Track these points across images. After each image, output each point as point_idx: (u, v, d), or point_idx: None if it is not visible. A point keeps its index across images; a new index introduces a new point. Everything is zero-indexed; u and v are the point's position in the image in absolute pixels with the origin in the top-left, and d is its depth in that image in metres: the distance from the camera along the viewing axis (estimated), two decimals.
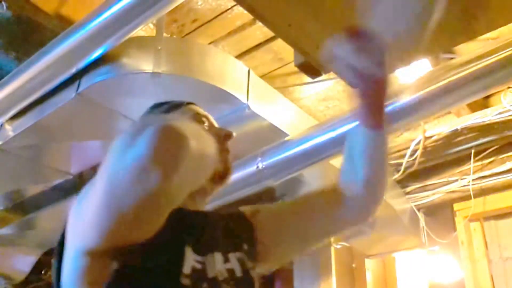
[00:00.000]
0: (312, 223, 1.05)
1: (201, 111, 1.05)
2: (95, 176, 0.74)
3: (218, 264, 0.87)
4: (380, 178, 1.02)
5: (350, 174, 1.02)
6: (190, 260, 0.83)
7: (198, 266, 0.84)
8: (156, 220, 0.71)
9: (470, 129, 2.36)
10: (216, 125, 1.05)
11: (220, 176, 0.99)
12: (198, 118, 1.02)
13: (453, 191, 2.59)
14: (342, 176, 1.04)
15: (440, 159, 2.53)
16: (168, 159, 0.65)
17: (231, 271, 0.89)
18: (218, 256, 0.89)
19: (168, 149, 0.66)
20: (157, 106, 1.05)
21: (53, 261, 0.82)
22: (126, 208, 0.66)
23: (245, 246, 0.96)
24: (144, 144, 0.65)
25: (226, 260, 0.90)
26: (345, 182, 1.03)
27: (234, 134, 1.01)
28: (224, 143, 1.00)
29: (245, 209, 1.07)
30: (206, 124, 1.03)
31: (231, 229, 0.99)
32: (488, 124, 2.31)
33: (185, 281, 0.80)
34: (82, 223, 0.74)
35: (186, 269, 0.81)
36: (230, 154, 1.01)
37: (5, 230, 3.05)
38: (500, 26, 1.30)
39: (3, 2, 1.84)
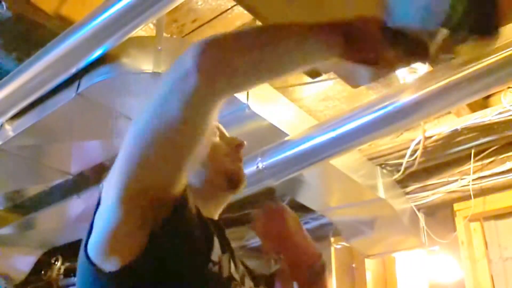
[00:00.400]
0: None
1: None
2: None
3: (233, 269, 0.87)
4: None
5: None
6: (217, 250, 0.83)
7: (219, 260, 0.83)
8: (181, 161, 0.73)
9: (470, 129, 2.35)
10: (227, 134, 1.06)
11: (233, 184, 1.00)
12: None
13: (453, 191, 2.59)
14: None
15: (440, 159, 2.53)
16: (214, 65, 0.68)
17: None
18: (237, 272, 0.89)
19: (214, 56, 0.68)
20: None
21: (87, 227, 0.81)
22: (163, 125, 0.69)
23: None
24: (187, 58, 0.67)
25: (242, 282, 0.90)
26: None
27: (245, 143, 1.03)
28: (237, 152, 1.02)
29: None
30: (218, 133, 1.03)
31: (247, 265, 0.99)
32: (488, 124, 2.30)
33: (214, 269, 0.80)
34: (118, 169, 0.74)
35: (214, 256, 0.81)
36: (242, 163, 1.03)
37: (5, 230, 3.05)
38: (500, 26, 1.30)
39: (3, 2, 1.84)
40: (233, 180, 0.99)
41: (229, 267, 0.85)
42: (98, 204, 0.79)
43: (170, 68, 0.72)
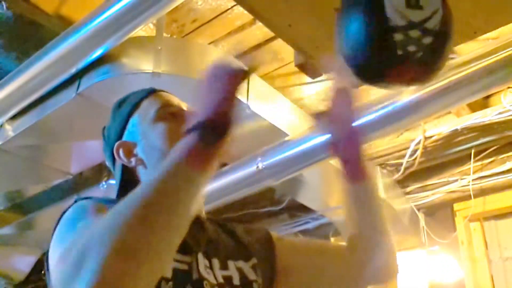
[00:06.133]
0: (327, 273, 1.00)
1: (164, 100, 0.93)
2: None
3: (202, 268, 0.81)
4: (373, 236, 0.98)
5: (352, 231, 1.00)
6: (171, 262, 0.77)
7: (183, 266, 0.79)
8: None
9: (470, 129, 2.35)
10: (184, 108, 0.92)
11: None
12: (161, 115, 0.90)
13: (453, 191, 2.59)
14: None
15: (440, 159, 2.53)
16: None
17: (228, 278, 0.84)
18: (213, 261, 0.84)
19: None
20: (118, 107, 0.98)
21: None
22: None
23: (255, 260, 0.91)
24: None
25: (224, 267, 0.85)
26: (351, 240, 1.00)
27: None
28: None
29: (274, 234, 1.01)
30: (171, 116, 0.90)
31: (240, 238, 0.94)
32: (488, 124, 2.31)
33: (166, 287, 0.74)
34: None
35: (167, 273, 0.75)
36: None
37: (5, 230, 3.05)
38: (500, 26, 1.30)
39: (3, 2, 1.84)
40: None
41: (199, 268, 0.80)
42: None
43: None
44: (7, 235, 3.10)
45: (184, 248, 0.79)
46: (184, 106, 0.94)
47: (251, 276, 0.87)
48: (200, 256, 0.83)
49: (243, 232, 0.96)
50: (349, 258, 0.99)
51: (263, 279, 0.90)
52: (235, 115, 0.70)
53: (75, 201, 0.84)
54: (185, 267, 0.79)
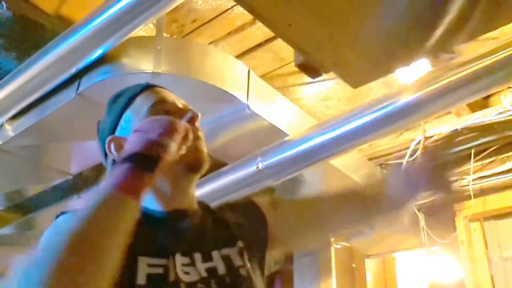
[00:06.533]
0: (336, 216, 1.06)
1: (159, 96, 0.93)
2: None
3: (179, 268, 0.81)
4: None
5: None
6: (144, 268, 0.77)
7: (158, 270, 0.79)
8: None
9: (470, 129, 2.35)
10: (180, 106, 0.92)
11: (195, 168, 0.89)
12: (154, 112, 0.89)
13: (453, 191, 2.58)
14: None
15: (440, 159, 2.53)
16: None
17: (212, 269, 0.84)
18: (195, 256, 0.84)
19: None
20: (113, 101, 1.00)
21: None
22: None
23: (241, 243, 0.90)
24: None
25: (208, 258, 0.85)
26: None
27: (200, 114, 0.87)
28: (194, 129, 0.84)
29: (262, 202, 1.01)
30: (164, 113, 0.88)
31: (229, 225, 0.94)
32: (488, 124, 2.31)
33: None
34: None
35: (140, 280, 0.76)
36: (201, 140, 0.90)
37: (5, 230, 3.05)
38: (500, 26, 1.30)
39: (3, 2, 1.84)
40: (194, 164, 0.88)
41: (176, 268, 0.80)
42: None
43: None
44: (7, 235, 3.11)
45: (159, 251, 0.80)
46: (180, 103, 0.94)
47: (237, 261, 0.87)
48: (178, 256, 0.82)
49: (233, 216, 0.96)
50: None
51: (254, 256, 0.91)
52: (166, 151, 0.74)
53: (57, 216, 0.83)
54: (160, 270, 0.79)
